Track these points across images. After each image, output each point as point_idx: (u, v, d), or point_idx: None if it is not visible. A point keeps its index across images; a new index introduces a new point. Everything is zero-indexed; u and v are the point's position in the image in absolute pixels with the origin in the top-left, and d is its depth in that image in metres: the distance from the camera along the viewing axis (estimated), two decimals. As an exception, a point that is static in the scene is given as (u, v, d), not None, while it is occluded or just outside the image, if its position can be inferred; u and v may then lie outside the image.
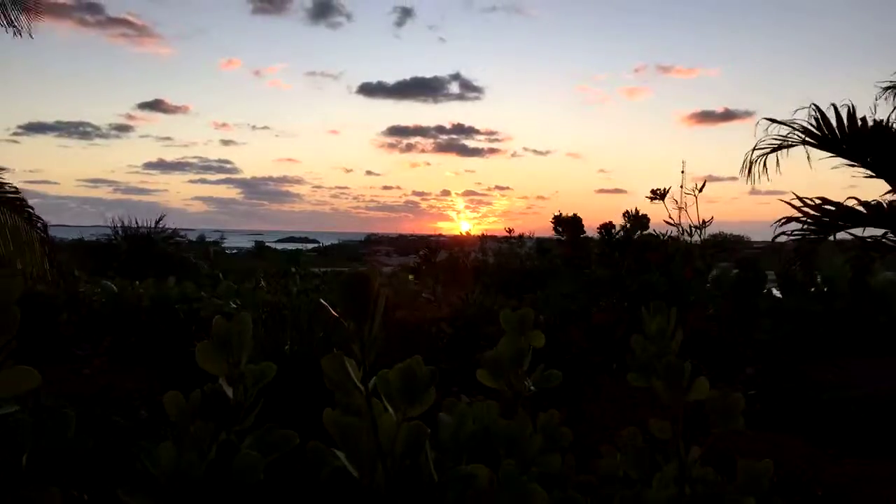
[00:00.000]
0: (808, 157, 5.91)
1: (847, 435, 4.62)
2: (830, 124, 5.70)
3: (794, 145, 5.89)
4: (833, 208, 5.78)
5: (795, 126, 5.82)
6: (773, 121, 5.91)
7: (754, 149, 5.99)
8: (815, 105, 5.74)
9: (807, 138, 5.81)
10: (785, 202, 5.93)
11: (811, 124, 5.78)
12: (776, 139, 5.89)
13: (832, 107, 5.71)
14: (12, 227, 6.19)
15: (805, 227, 5.88)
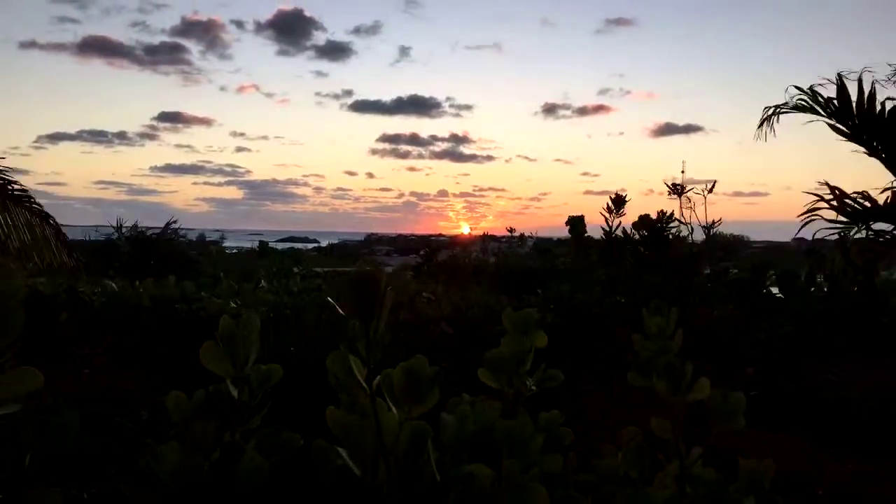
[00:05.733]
0: (821, 134, 5.89)
1: (847, 434, 4.62)
2: (848, 97, 5.65)
3: (808, 111, 5.87)
4: (858, 203, 5.72)
5: (817, 93, 5.79)
6: (799, 89, 5.93)
7: (774, 106, 6.01)
8: (839, 75, 5.70)
9: (823, 108, 5.76)
10: (811, 192, 5.89)
11: (830, 96, 5.74)
12: (798, 101, 5.88)
13: (858, 81, 5.64)
14: (26, 223, 6.31)
15: (840, 216, 5.81)
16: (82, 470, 3.01)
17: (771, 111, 6.04)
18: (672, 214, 10.22)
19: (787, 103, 5.94)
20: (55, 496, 0.77)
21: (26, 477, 0.86)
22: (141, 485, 0.83)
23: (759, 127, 6.08)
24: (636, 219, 11.24)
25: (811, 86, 5.84)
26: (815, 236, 6.10)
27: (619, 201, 10.93)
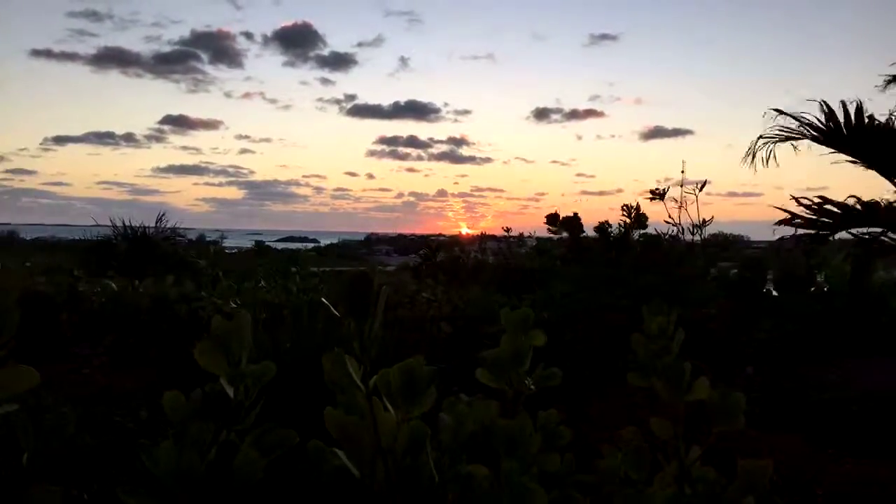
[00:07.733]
0: (811, 148, 5.88)
1: (847, 435, 4.61)
2: (837, 120, 5.66)
3: (798, 138, 5.85)
4: (833, 208, 5.74)
5: (803, 120, 5.77)
6: (780, 112, 5.87)
7: (759, 137, 5.95)
8: (823, 101, 5.71)
9: (812, 132, 5.77)
10: (779, 208, 5.92)
11: (818, 119, 5.73)
12: (782, 130, 5.86)
13: (841, 104, 5.66)
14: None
15: (806, 227, 5.84)
16: (82, 470, 3.00)
17: (759, 143, 5.95)
18: (637, 213, 10.43)
19: (773, 134, 5.90)
20: (55, 495, 0.77)
21: (25, 476, 0.86)
22: (138, 485, 0.82)
23: (752, 159, 5.99)
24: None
25: (799, 113, 5.83)
26: (784, 240, 6.11)
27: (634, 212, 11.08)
